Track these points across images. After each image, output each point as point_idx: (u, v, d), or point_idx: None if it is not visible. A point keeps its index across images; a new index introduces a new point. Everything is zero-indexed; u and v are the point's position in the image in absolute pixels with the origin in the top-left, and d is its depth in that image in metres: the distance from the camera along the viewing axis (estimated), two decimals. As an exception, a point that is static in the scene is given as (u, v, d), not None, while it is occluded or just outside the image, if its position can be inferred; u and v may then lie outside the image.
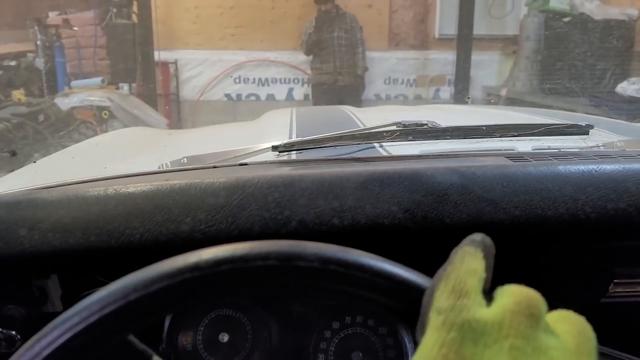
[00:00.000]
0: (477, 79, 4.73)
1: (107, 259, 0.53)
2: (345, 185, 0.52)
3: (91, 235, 0.51)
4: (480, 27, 4.54)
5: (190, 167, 0.72)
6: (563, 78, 4.02)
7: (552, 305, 0.59)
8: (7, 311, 0.55)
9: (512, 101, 4.14)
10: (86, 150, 1.17)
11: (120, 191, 0.53)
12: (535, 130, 0.76)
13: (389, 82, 5.10)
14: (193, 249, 0.37)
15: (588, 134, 0.79)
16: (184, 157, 0.77)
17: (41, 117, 3.90)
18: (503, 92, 4.38)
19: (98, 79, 4.41)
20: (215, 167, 0.72)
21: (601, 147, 0.77)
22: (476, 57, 4.66)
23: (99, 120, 4.07)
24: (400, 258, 0.38)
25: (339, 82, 4.45)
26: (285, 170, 0.64)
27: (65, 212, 0.52)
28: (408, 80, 5.12)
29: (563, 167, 0.52)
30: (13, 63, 4.40)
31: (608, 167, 0.52)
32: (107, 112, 4.05)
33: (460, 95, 4.58)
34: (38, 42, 4.38)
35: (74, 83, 4.49)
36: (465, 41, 4.54)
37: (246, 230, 0.50)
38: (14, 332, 0.55)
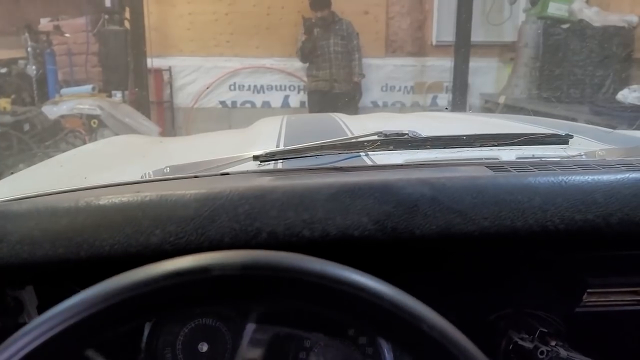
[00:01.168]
0: (475, 86, 4.77)
1: (79, 269, 0.53)
2: (315, 197, 0.53)
3: (60, 247, 0.52)
4: (477, 34, 4.57)
5: (171, 176, 0.73)
6: (562, 85, 4.04)
7: (527, 315, 0.60)
8: (-21, 323, 0.56)
9: (511, 109, 4.16)
10: (76, 158, 1.18)
11: (91, 203, 0.54)
12: (515, 140, 0.77)
13: (386, 89, 5.14)
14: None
15: (568, 144, 0.80)
16: (166, 167, 0.78)
17: (27, 127, 3.87)
18: (501, 100, 4.41)
19: (89, 87, 4.39)
20: (196, 176, 0.73)
21: (582, 156, 0.78)
22: (474, 64, 4.69)
23: (88, 129, 4.03)
24: (370, 269, 0.39)
25: (334, 90, 4.48)
26: (262, 181, 0.65)
27: (34, 224, 0.53)
28: (405, 87, 5.15)
29: (533, 179, 0.53)
30: (4, 70, 4.42)
31: (577, 177, 0.53)
32: (96, 121, 4.00)
33: (459, 102, 4.60)
34: (29, 49, 4.40)
35: (63, 91, 4.48)
36: (463, 48, 4.57)
37: (216, 242, 0.51)
38: (-15, 344, 0.56)
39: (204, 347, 0.61)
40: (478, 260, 0.58)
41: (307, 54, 4.61)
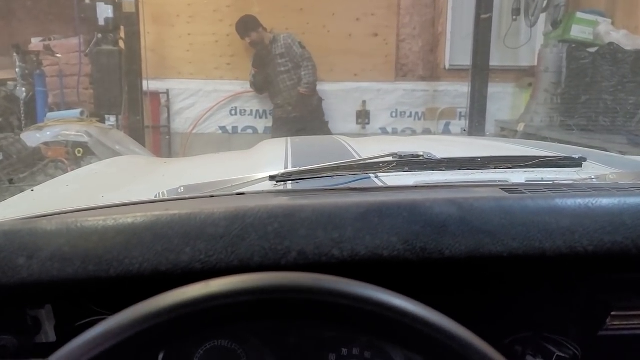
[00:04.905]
0: (490, 113, 4.85)
1: (104, 288, 0.58)
2: (344, 216, 0.58)
3: (90, 265, 0.56)
4: (493, 58, 4.67)
5: (187, 196, 0.78)
6: (589, 113, 4.05)
7: (544, 339, 0.64)
8: (0, 341, 0.59)
9: (530, 137, 4.20)
10: (80, 178, 1.24)
11: (120, 221, 0.59)
12: (529, 163, 0.83)
13: (396, 115, 5.23)
14: (192, 279, 0.42)
15: (581, 167, 0.86)
16: (180, 187, 0.83)
17: (0, 156, 3.72)
18: (520, 127, 4.45)
19: (77, 111, 4.33)
20: (212, 196, 0.78)
21: (594, 180, 0.83)
22: (489, 89, 4.78)
23: (73, 158, 3.86)
24: (400, 289, 0.43)
25: (292, 114, 4.59)
26: (284, 200, 0.70)
27: (64, 241, 0.57)
28: (416, 113, 5.24)
29: (560, 200, 0.58)
30: (-8, 92, 4.51)
31: (604, 200, 0.58)
32: (80, 149, 3.87)
33: (476, 129, 4.65)
34: (17, 70, 4.48)
35: (49, 115, 4.40)
36: (480, 72, 4.62)
37: (246, 261, 0.56)
38: (6, 364, 0.59)
39: (220, 369, 0.65)
40: (499, 281, 0.62)
41: (259, 86, 4.80)
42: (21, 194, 0.97)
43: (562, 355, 0.62)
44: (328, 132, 4.72)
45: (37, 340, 0.62)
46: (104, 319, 0.41)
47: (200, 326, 0.39)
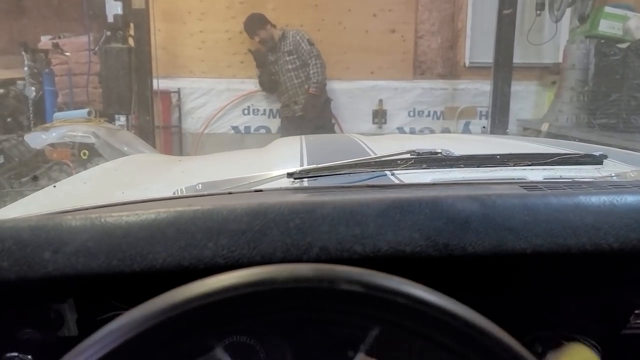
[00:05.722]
0: (512, 112, 4.83)
1: (127, 283, 0.61)
2: (366, 212, 0.60)
3: (114, 259, 0.59)
4: (515, 55, 4.65)
5: (205, 193, 0.81)
6: (620, 112, 4.01)
7: (563, 337, 0.65)
8: (24, 335, 0.63)
9: (556, 138, 4.17)
10: (97, 176, 1.28)
11: (143, 216, 0.62)
12: (549, 160, 0.84)
13: (414, 114, 5.24)
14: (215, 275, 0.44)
15: (602, 164, 0.87)
16: (198, 184, 0.86)
17: (0, 159, 3.68)
18: (544, 127, 4.42)
19: (84, 111, 4.28)
20: (230, 193, 0.81)
21: (614, 177, 0.85)
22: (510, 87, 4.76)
23: (78, 160, 3.83)
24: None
25: (297, 114, 4.61)
26: (305, 197, 0.72)
27: (88, 236, 0.60)
28: (435, 112, 5.25)
29: (584, 197, 0.60)
30: (1, 91, 4.59)
31: (630, 197, 0.59)
32: (86, 152, 3.84)
33: (499, 129, 4.63)
34: (25, 69, 4.55)
35: (56, 115, 4.37)
36: (503, 70, 4.60)
37: (268, 256, 0.58)
38: (30, 357, 0.63)
39: (238, 365, 0.67)
40: (520, 279, 0.64)
41: (265, 86, 4.83)
42: (44, 189, 1.01)
43: None
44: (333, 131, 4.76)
45: (60, 334, 0.65)
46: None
47: (241, 313, 0.41)
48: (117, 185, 1.01)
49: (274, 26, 4.73)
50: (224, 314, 0.40)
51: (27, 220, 0.63)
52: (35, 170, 3.78)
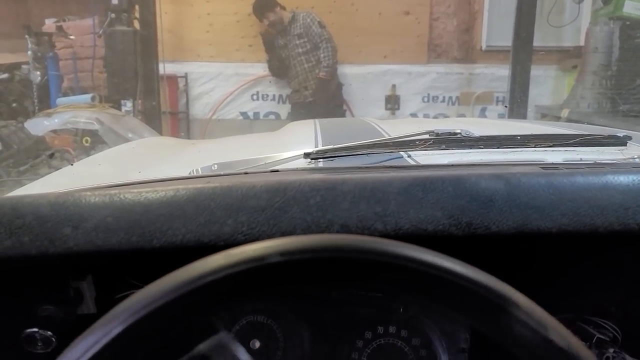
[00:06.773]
0: (529, 98, 4.80)
1: (146, 260, 0.62)
2: (387, 190, 0.61)
3: (133, 236, 0.60)
4: (534, 38, 4.61)
5: (221, 173, 0.82)
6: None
7: (583, 321, 0.66)
8: (44, 312, 0.65)
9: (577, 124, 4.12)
10: (110, 158, 1.30)
11: (162, 193, 0.63)
12: (572, 141, 0.84)
13: (428, 100, 5.22)
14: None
15: (626, 145, 0.87)
16: (214, 164, 0.87)
17: None
18: (564, 113, 4.39)
19: (88, 96, 4.32)
20: (246, 173, 0.82)
21: (636, 159, 0.85)
22: (529, 72, 4.72)
23: (80, 148, 3.82)
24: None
25: (307, 99, 4.60)
26: (324, 175, 0.73)
27: (108, 212, 0.62)
28: (450, 97, 5.23)
29: (611, 176, 0.60)
30: (5, 76, 4.62)
31: (658, 175, 0.60)
32: (88, 139, 3.83)
33: (517, 115, 4.60)
34: (29, 52, 4.58)
35: (59, 100, 4.40)
36: (522, 53, 4.55)
37: (288, 233, 0.59)
38: (50, 333, 0.65)
39: (256, 344, 0.69)
40: (542, 260, 0.64)
41: (275, 71, 4.82)
42: (61, 169, 1.03)
43: (602, 337, 0.65)
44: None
45: (79, 312, 0.67)
46: None
47: (269, 285, 0.41)
48: (133, 166, 1.03)
49: (283, 8, 4.71)
50: (260, 282, 0.40)
51: (46, 196, 0.64)
52: (35, 158, 3.80)
